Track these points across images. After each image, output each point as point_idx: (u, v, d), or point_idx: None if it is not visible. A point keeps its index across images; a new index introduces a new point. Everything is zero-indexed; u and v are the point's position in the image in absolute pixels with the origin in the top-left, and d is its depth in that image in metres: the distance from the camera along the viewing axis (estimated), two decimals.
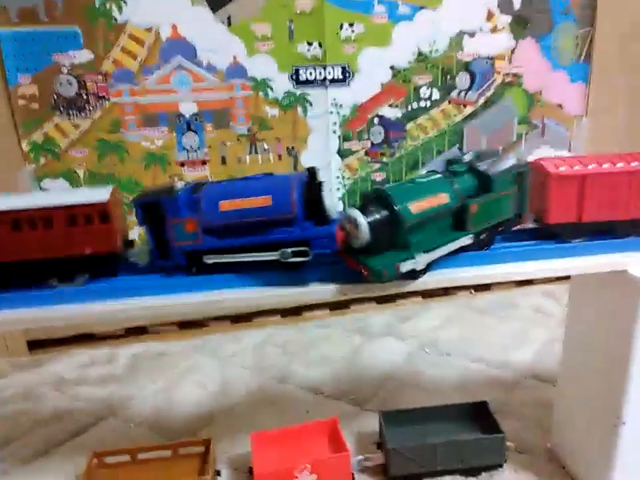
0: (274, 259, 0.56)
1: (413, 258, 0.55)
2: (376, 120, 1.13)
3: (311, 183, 0.56)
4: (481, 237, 0.60)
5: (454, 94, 1.15)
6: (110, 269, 0.59)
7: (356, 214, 0.53)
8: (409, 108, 1.13)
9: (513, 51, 1.14)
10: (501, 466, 0.75)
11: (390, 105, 1.12)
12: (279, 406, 0.92)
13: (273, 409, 0.91)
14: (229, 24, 1.02)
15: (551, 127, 1.20)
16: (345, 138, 1.13)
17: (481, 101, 1.16)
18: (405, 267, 0.54)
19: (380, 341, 1.10)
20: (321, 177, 0.57)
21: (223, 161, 1.08)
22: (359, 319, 1.20)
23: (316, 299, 0.61)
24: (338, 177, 1.14)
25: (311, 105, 1.09)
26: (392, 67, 1.10)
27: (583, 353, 0.72)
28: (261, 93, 1.07)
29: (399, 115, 1.13)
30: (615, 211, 0.63)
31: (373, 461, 0.76)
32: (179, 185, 0.59)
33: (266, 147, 1.10)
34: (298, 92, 1.07)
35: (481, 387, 0.94)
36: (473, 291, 1.32)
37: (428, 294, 1.32)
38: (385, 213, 0.55)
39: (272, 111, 1.08)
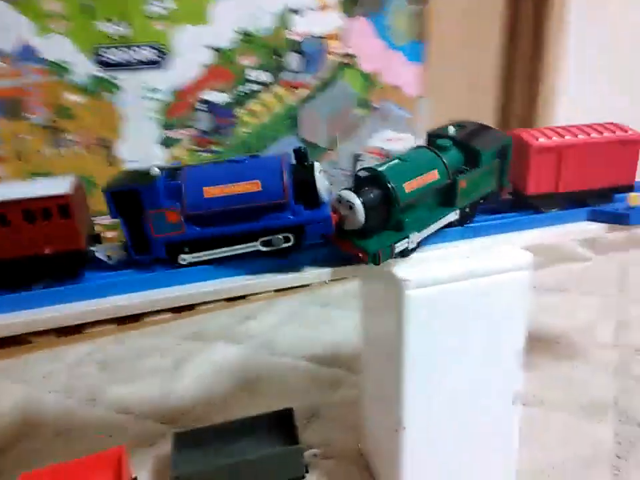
0: (256, 250, 0.53)
1: (407, 237, 0.55)
2: (201, 105, 1.03)
3: (301, 165, 0.53)
4: (465, 212, 0.61)
5: (285, 76, 1.07)
6: (74, 269, 0.53)
7: (350, 196, 0.52)
8: (237, 92, 1.05)
9: (345, 31, 1.08)
10: (302, 477, 0.70)
11: (215, 89, 1.03)
12: (80, 432, 0.82)
13: (73, 436, 0.81)
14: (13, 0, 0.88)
15: (391, 109, 1.17)
16: (168, 126, 1.02)
17: (315, 83, 1.10)
18: (400, 247, 0.55)
19: (212, 346, 1.02)
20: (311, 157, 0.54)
21: (20, 156, 0.95)
22: (198, 322, 1.12)
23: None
24: None
25: (120, 89, 0.97)
26: (213, 47, 1.01)
27: (370, 354, 0.69)
28: (59, 78, 0.93)
29: (227, 99, 1.04)
30: (587, 181, 0.65)
31: None
32: (154, 169, 0.52)
33: (71, 138, 0.98)
34: (104, 76, 0.95)
35: (308, 388, 0.89)
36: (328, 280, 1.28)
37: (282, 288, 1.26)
38: (378, 193, 0.53)
39: (75, 98, 0.95)
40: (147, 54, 0.97)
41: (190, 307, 1.22)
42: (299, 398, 0.86)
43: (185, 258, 0.53)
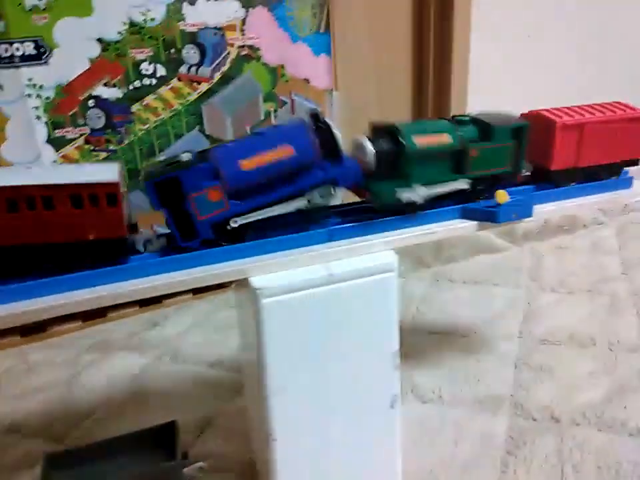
0: (302, 208, 0.56)
1: (411, 187, 0.59)
2: (91, 102, 0.98)
3: (319, 125, 0.56)
4: (478, 187, 0.63)
5: (183, 69, 1.02)
6: (115, 256, 0.52)
7: (364, 140, 0.58)
8: (131, 87, 1.00)
9: (244, 21, 1.04)
10: None
11: (106, 84, 0.98)
12: None
13: None
14: None
15: (300, 103, 1.14)
16: (56, 125, 0.97)
17: (217, 76, 1.05)
18: (403, 194, 0.58)
19: (113, 356, 0.97)
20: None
21: None
22: (104, 330, 1.07)
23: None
24: None
25: (1, 88, 0.91)
26: (99, 40, 0.95)
27: (245, 364, 0.67)
28: None
29: (119, 95, 0.99)
30: (603, 156, 0.70)
31: None
32: (185, 155, 0.54)
33: None
34: None
35: (206, 397, 0.86)
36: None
37: (199, 290, 1.23)
38: (389, 140, 0.59)
39: None
40: (26, 49, 0.90)
41: (101, 314, 1.17)
42: (195, 408, 0.83)
43: (236, 220, 0.54)
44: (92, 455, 0.68)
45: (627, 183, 0.72)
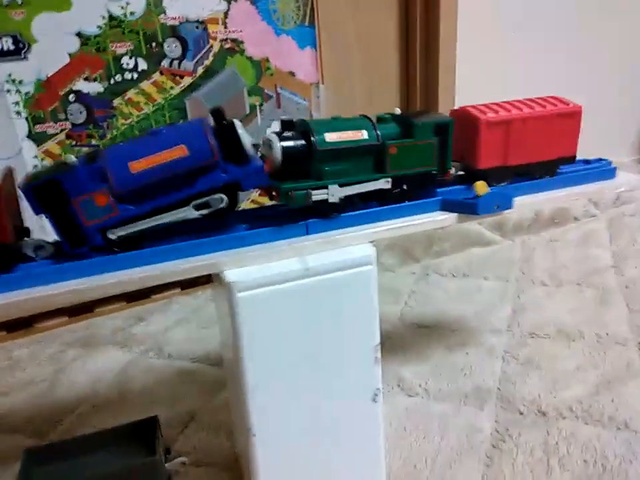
0: (189, 217, 0.52)
1: (325, 188, 0.55)
2: (72, 97, 0.96)
3: (221, 124, 0.52)
4: (403, 187, 0.60)
5: (165, 63, 1.01)
6: (1, 263, 0.49)
7: (272, 136, 0.54)
8: (112, 81, 0.98)
9: (226, 15, 1.03)
10: None
11: (86, 79, 0.97)
12: None
13: None
14: None
15: (286, 97, 1.13)
16: (36, 120, 0.95)
17: (200, 70, 1.04)
18: (317, 195, 0.55)
19: (97, 351, 0.97)
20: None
21: None
22: (90, 325, 1.06)
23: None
24: (37, 166, 0.97)
25: None
26: (78, 34, 0.94)
27: (225, 359, 0.66)
28: None
29: (101, 89, 0.98)
30: (534, 154, 0.66)
31: None
32: (71, 158, 0.50)
33: None
34: None
35: (190, 391, 0.85)
36: None
37: (187, 285, 1.22)
38: (298, 136, 0.55)
39: None
40: (4, 44, 0.89)
41: (87, 309, 1.16)
42: (179, 403, 0.82)
43: (113, 231, 0.51)
44: (72, 449, 0.68)
45: (611, 174, 0.71)
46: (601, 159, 0.73)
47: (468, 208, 0.60)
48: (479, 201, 0.59)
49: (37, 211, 0.49)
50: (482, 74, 1.26)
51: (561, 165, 0.69)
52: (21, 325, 1.10)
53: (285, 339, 0.55)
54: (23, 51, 0.91)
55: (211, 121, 0.53)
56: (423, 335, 0.98)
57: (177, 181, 0.51)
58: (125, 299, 1.17)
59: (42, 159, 0.97)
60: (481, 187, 0.59)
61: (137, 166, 0.50)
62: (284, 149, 0.54)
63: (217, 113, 0.53)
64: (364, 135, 0.58)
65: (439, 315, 1.04)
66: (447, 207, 0.61)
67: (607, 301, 1.03)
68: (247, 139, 0.53)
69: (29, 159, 0.96)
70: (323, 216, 0.57)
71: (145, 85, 1.01)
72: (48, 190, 0.49)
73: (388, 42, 1.20)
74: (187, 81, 1.04)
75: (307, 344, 0.57)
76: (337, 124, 0.58)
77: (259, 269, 0.54)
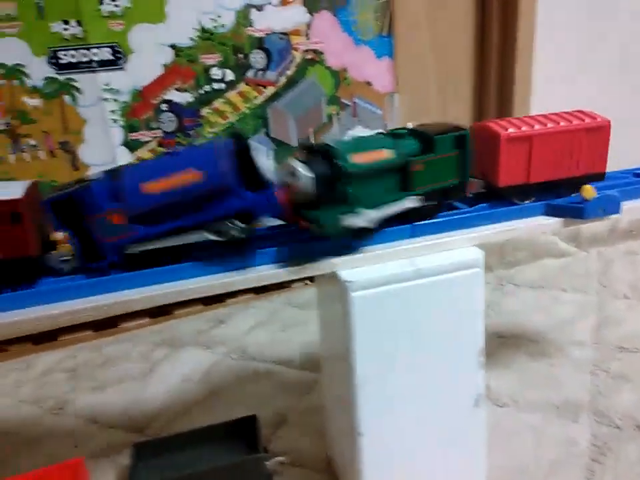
0: (200, 240, 0.51)
1: (355, 212, 0.53)
2: (164, 106, 1.01)
3: (240, 149, 0.51)
4: (429, 204, 0.59)
5: (250, 74, 1.05)
6: (26, 276, 0.51)
7: (295, 163, 0.52)
8: (201, 91, 1.02)
9: (309, 26, 1.06)
10: None
11: (178, 89, 1.01)
12: (46, 442, 0.80)
13: (38, 447, 0.79)
14: None
15: (362, 106, 1.14)
16: (131, 128, 1.00)
17: (282, 80, 1.07)
18: (348, 220, 0.52)
19: (183, 352, 0.99)
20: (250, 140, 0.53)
21: None
22: (173, 326, 1.09)
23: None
24: None
25: (79, 91, 0.95)
26: (172, 46, 0.98)
27: (327, 359, 0.66)
28: (15, 82, 0.91)
29: (190, 99, 1.02)
30: (559, 170, 0.63)
31: None
32: (95, 174, 0.51)
33: (33, 142, 0.95)
34: (61, 78, 0.93)
35: (277, 393, 0.86)
36: (308, 282, 1.25)
37: (261, 289, 1.24)
38: (323, 161, 0.53)
39: (33, 102, 0.93)
40: (103, 54, 0.94)
41: (167, 312, 1.20)
42: (268, 404, 0.84)
43: (130, 249, 0.51)
44: (177, 445, 0.71)
45: None
46: None
47: (574, 212, 0.59)
48: (587, 205, 0.58)
49: (57, 226, 0.50)
50: (559, 84, 1.24)
51: (588, 182, 0.64)
52: (107, 324, 1.15)
53: (393, 339, 0.56)
54: (121, 61, 0.96)
55: (232, 144, 0.52)
56: (504, 345, 0.97)
57: (192, 204, 0.50)
58: (202, 301, 1.20)
59: None
60: (588, 191, 0.58)
61: (149, 187, 0.50)
62: (312, 178, 0.51)
63: (237, 137, 0.52)
64: (387, 154, 0.56)
65: (518, 326, 1.02)
66: (551, 211, 0.60)
67: None
68: (264, 164, 0.52)
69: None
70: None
71: (231, 94, 1.04)
72: (64, 206, 0.50)
73: (463, 51, 1.20)
74: (270, 90, 1.07)
75: (414, 344, 0.57)
76: (358, 143, 0.56)
77: (371, 270, 0.55)
